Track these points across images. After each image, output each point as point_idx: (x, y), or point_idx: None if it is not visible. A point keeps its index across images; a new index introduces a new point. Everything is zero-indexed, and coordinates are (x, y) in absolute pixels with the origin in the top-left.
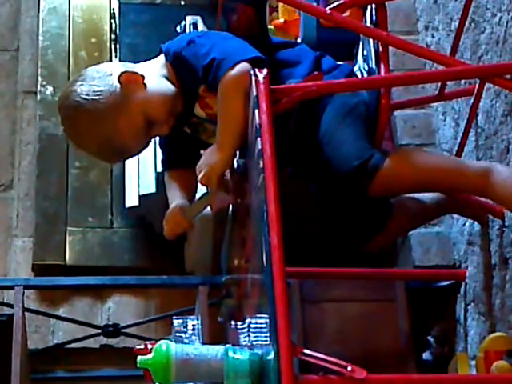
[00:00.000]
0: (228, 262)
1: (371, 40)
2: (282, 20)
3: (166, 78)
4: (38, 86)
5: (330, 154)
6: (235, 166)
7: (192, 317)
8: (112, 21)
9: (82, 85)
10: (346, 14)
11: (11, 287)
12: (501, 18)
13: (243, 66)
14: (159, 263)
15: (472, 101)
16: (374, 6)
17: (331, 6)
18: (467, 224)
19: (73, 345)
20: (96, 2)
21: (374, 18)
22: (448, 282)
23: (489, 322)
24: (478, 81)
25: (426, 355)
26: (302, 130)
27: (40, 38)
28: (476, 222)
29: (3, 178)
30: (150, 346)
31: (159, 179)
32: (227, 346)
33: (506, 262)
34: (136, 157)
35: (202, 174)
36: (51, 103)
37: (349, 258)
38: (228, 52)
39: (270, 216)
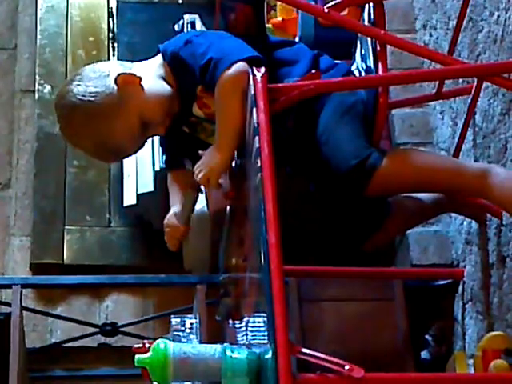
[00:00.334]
0: (226, 261)
1: (369, 39)
2: (279, 19)
3: (163, 78)
4: (36, 85)
5: (327, 153)
6: (233, 165)
7: (190, 316)
8: (110, 19)
9: (78, 85)
10: (344, 12)
11: (9, 286)
12: (498, 16)
13: (240, 65)
14: (157, 262)
15: (470, 100)
16: (371, 4)
17: (329, 4)
18: (465, 223)
19: (71, 344)
20: (94, 0)
21: (371, 16)
22: (446, 281)
23: (487, 320)
24: (475, 80)
25: (424, 354)
26: (300, 128)
27: (38, 36)
28: (474, 221)
29: (1, 177)
30: (147, 345)
31: (157, 178)
32: (225, 344)
33: (504, 261)
34: (134, 156)
35: (201, 174)
36: (49, 102)
37: (347, 256)
38: (225, 52)
39: (267, 215)
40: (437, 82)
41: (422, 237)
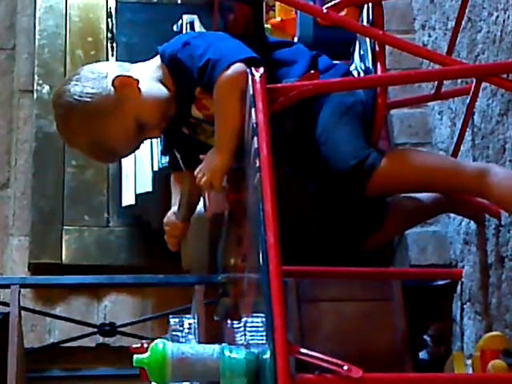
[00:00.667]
0: (224, 261)
1: (368, 39)
2: (278, 19)
3: (161, 81)
4: (35, 85)
5: (326, 154)
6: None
7: (188, 316)
8: (109, 19)
9: (76, 85)
10: (343, 12)
11: (7, 286)
12: (497, 17)
13: (238, 66)
14: (156, 262)
15: (468, 100)
16: (370, 4)
17: (328, 4)
18: (463, 223)
19: (69, 344)
20: (93, 0)
21: (370, 17)
22: (444, 281)
23: (485, 321)
24: (474, 80)
25: (422, 354)
26: (299, 129)
27: (36, 36)
28: (472, 222)
29: None
30: (146, 345)
31: (156, 178)
32: (223, 345)
33: (503, 261)
34: (132, 156)
35: (204, 179)
36: (48, 102)
37: (346, 257)
38: (223, 53)
39: (266, 215)
40: (435, 83)
41: (420, 237)
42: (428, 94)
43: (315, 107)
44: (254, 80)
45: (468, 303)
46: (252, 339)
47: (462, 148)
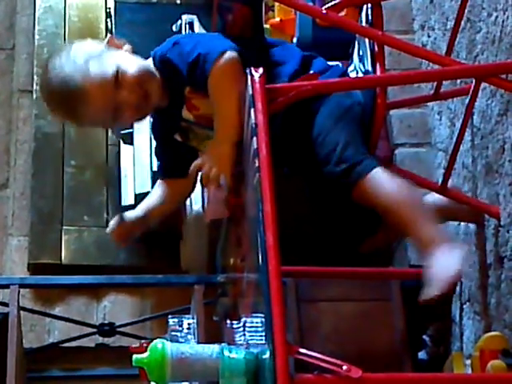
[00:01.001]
0: (224, 261)
1: (367, 40)
2: (277, 19)
3: None
4: (34, 85)
5: (322, 156)
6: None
7: (187, 316)
8: (108, 20)
9: (62, 60)
10: (342, 13)
11: (6, 286)
12: (496, 17)
13: (229, 54)
14: (155, 262)
15: (468, 100)
16: (369, 5)
17: (327, 5)
18: (462, 223)
19: (68, 344)
20: (92, 0)
21: (369, 17)
22: None
23: (484, 321)
24: (473, 80)
25: (421, 354)
26: (297, 130)
27: (36, 36)
28: None
29: None
30: (145, 345)
31: (155, 178)
32: (223, 345)
33: (502, 262)
34: (132, 156)
35: (213, 170)
36: None
37: (344, 257)
38: (211, 46)
39: (265, 215)
40: (435, 83)
41: None
42: (427, 95)
43: (313, 108)
44: (253, 80)
45: (467, 303)
46: (251, 339)
47: (461, 148)
